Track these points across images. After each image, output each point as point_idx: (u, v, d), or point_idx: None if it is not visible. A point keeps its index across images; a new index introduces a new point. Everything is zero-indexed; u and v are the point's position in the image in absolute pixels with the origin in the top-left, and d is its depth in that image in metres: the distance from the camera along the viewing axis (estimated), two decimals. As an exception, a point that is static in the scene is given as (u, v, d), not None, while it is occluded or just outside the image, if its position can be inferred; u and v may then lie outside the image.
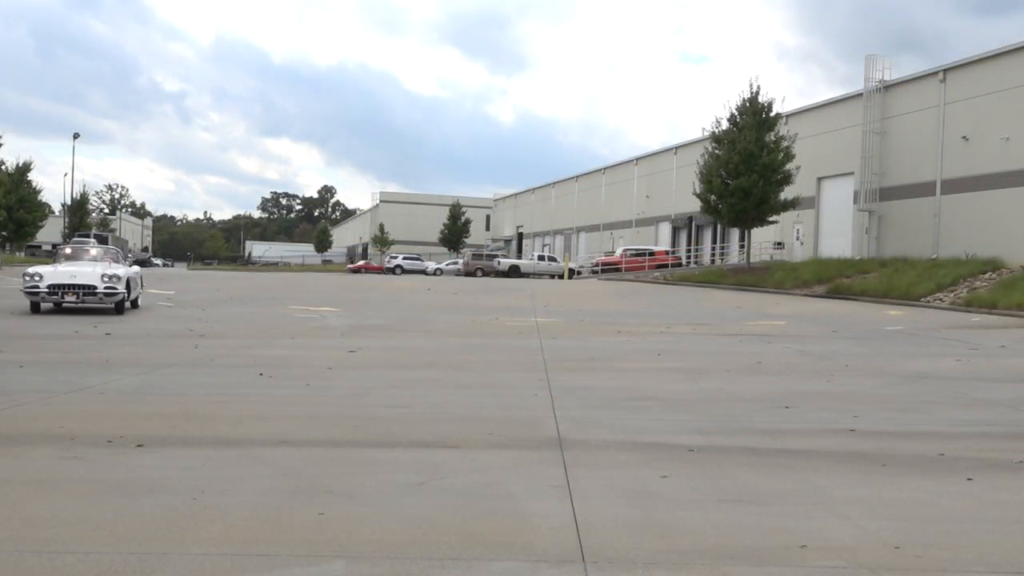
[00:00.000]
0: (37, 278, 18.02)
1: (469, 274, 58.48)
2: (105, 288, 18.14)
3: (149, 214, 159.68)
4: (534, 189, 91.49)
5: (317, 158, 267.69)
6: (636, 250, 57.09)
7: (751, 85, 42.31)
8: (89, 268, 18.83)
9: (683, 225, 59.88)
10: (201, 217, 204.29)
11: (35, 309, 18.25)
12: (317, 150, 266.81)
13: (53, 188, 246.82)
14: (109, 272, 18.52)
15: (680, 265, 53.46)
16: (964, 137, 35.99)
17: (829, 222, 45.23)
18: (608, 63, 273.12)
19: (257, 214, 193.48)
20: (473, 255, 64.71)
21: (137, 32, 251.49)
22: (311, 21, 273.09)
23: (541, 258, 62.25)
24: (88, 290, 18.12)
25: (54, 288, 18.06)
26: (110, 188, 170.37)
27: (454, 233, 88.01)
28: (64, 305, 18.38)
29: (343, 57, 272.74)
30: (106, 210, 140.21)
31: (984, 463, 6.28)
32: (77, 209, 78.44)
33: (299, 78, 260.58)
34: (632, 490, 5.35)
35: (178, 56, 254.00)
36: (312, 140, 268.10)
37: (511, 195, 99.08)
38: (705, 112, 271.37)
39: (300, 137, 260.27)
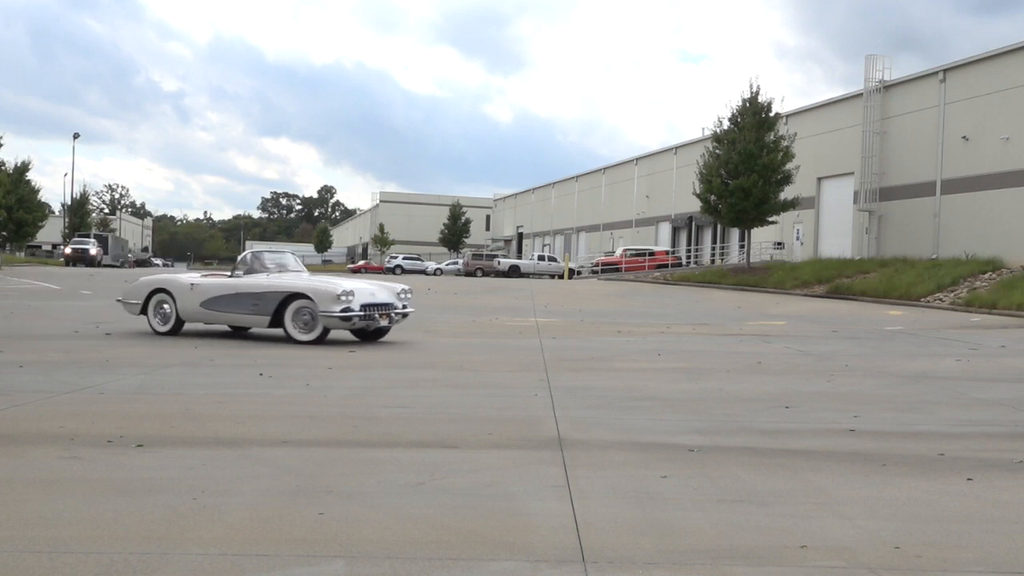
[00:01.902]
0: (351, 297, 13.85)
1: (469, 274, 58.52)
2: (403, 307, 14.80)
3: (149, 214, 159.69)
4: (534, 189, 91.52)
5: (315, 158, 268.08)
6: (636, 250, 57.12)
7: (751, 85, 42.35)
8: (366, 283, 14.97)
9: (683, 225, 59.89)
10: (201, 217, 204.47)
11: (322, 338, 14.07)
12: (315, 150, 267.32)
13: (52, 188, 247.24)
14: (405, 287, 15.20)
15: (680, 265, 53.48)
16: (964, 137, 35.99)
17: (829, 222, 45.24)
18: (606, 62, 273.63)
19: (257, 214, 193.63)
20: (473, 255, 64.77)
21: (133, 31, 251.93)
22: (307, 20, 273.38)
23: (541, 258, 62.32)
24: (392, 310, 14.60)
25: (368, 309, 14.07)
26: (110, 188, 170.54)
27: (454, 233, 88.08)
28: (371, 328, 14.61)
29: (340, 56, 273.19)
30: (106, 210, 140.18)
31: (984, 463, 6.28)
32: (77, 209, 78.45)
33: (296, 77, 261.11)
34: (632, 490, 5.35)
35: (175, 55, 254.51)
36: (310, 140, 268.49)
37: (511, 195, 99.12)
38: (704, 111, 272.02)
39: (298, 137, 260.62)
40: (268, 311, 14.05)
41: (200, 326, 15.61)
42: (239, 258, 15.42)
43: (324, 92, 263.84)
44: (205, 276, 15.37)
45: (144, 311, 15.00)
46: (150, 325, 14.91)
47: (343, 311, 13.70)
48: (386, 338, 15.17)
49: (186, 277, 15.24)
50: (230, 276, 14.82)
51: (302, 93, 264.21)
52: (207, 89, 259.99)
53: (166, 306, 14.85)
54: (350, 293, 13.80)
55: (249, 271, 14.81)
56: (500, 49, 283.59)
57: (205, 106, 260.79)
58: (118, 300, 15.91)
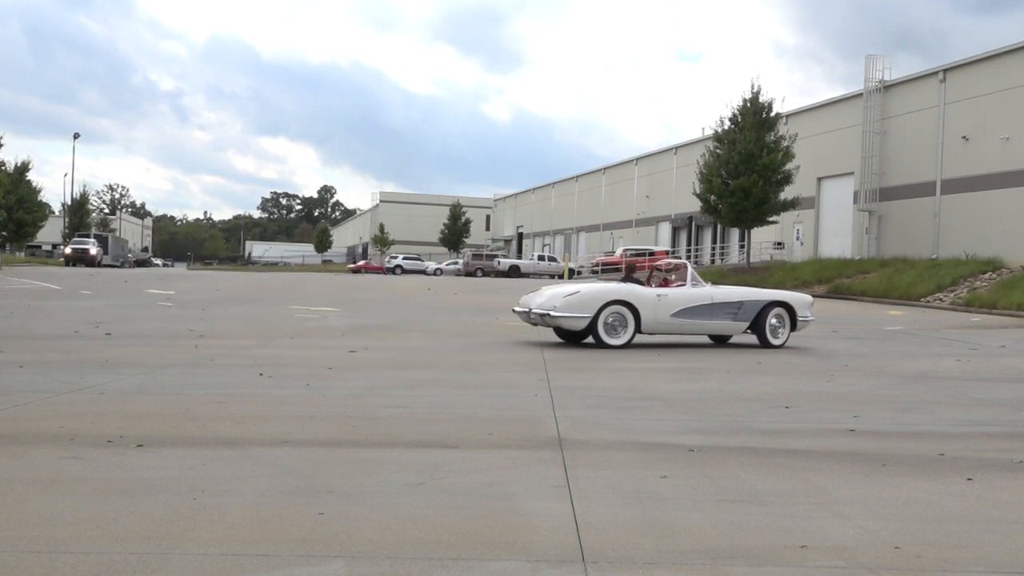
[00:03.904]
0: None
1: (469, 274, 58.49)
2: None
3: (149, 214, 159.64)
4: (534, 189, 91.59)
5: (313, 157, 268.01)
6: (636, 250, 57.07)
7: (752, 85, 42.36)
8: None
9: (683, 225, 59.90)
10: (201, 217, 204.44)
11: (785, 341, 15.35)
12: (313, 149, 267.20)
13: (51, 188, 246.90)
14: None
15: (680, 265, 53.41)
16: (964, 137, 36.00)
17: (829, 222, 45.25)
18: (604, 60, 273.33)
19: (257, 214, 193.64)
20: (473, 255, 64.74)
21: (130, 30, 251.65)
22: (304, 19, 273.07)
23: (541, 258, 62.30)
24: None
25: None
26: (111, 188, 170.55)
27: (454, 233, 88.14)
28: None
29: (337, 55, 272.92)
30: (106, 210, 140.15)
31: (984, 463, 6.28)
32: (77, 209, 78.44)
33: (294, 77, 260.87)
34: (632, 490, 5.35)
35: (172, 54, 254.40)
36: (309, 139, 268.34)
37: (511, 195, 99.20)
38: (702, 110, 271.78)
39: (296, 136, 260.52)
40: (748, 318, 14.97)
41: (202, 326, 15.58)
42: (689, 269, 15.36)
43: (322, 91, 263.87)
44: (658, 286, 15.06)
45: (593, 323, 14.25)
46: (598, 338, 14.28)
47: (811, 315, 15.45)
48: (377, 337, 15.19)
49: (645, 289, 14.80)
50: (693, 287, 14.92)
51: (300, 92, 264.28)
52: (204, 88, 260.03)
53: (621, 317, 14.34)
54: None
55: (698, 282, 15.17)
56: (498, 48, 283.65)
57: (202, 105, 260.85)
58: (548, 314, 14.30)
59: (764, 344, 15.04)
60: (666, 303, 14.52)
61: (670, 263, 16.00)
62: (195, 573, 3.86)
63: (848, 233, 43.08)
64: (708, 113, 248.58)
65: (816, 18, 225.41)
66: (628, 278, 15.37)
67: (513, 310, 15.56)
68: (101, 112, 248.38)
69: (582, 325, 14.26)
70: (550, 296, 14.61)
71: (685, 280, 15.08)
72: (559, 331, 15.19)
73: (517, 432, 7.14)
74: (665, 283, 15.30)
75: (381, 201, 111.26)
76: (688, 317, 14.64)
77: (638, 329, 14.44)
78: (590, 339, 14.57)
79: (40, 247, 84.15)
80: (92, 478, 5.43)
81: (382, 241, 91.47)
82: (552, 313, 14.21)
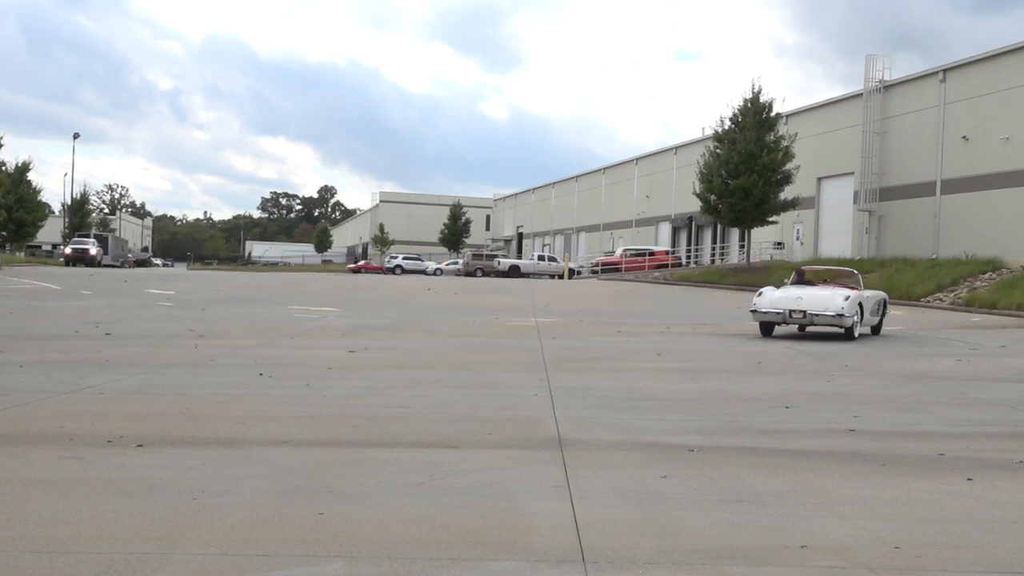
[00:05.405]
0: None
1: (469, 274, 58.48)
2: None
3: (149, 214, 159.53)
4: (534, 189, 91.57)
5: (312, 157, 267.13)
6: (636, 250, 57.10)
7: (753, 85, 42.31)
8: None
9: (683, 225, 59.89)
10: (201, 217, 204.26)
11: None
12: (312, 149, 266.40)
13: (51, 188, 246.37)
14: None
15: (680, 265, 53.46)
16: (964, 137, 35.98)
17: (829, 222, 45.22)
18: (603, 60, 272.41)
19: (257, 214, 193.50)
20: (473, 255, 64.73)
21: (127, 29, 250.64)
22: (301, 18, 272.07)
23: (541, 258, 62.24)
24: None
25: None
26: (110, 188, 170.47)
27: (454, 233, 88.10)
28: None
29: (334, 55, 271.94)
30: (106, 210, 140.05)
31: (984, 463, 6.29)
32: (77, 209, 78.40)
33: (292, 76, 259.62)
34: (632, 490, 5.35)
35: (170, 54, 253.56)
36: (307, 139, 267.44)
37: (511, 195, 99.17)
38: (702, 110, 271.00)
39: (295, 136, 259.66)
40: (879, 312, 18.12)
41: (202, 326, 15.56)
42: (859, 275, 18.89)
43: (320, 91, 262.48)
44: (851, 288, 17.70)
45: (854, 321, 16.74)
46: (851, 332, 16.59)
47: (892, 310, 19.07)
48: (377, 337, 15.21)
49: (862, 292, 17.61)
50: (863, 290, 17.88)
51: (298, 92, 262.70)
52: (202, 88, 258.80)
53: (859, 315, 16.93)
54: None
55: None
56: (496, 47, 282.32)
57: (200, 105, 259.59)
58: (838, 315, 16.39)
59: (876, 332, 18.04)
60: (868, 303, 17.52)
61: (836, 269, 19.94)
62: (195, 573, 3.86)
63: (848, 233, 43.06)
64: (708, 113, 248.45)
65: (815, 18, 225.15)
66: (800, 281, 18.17)
67: (752, 311, 17.22)
68: (99, 112, 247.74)
69: (852, 323, 16.61)
70: (820, 300, 16.72)
71: (858, 285, 18.10)
72: (766, 326, 17.09)
73: (517, 432, 7.14)
74: (810, 283, 18.09)
75: (381, 201, 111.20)
76: (869, 314, 17.55)
77: (862, 322, 17.13)
78: (770, 334, 17.02)
79: (40, 247, 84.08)
80: (92, 478, 5.43)
81: (382, 241, 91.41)
82: (845, 315, 16.49)
